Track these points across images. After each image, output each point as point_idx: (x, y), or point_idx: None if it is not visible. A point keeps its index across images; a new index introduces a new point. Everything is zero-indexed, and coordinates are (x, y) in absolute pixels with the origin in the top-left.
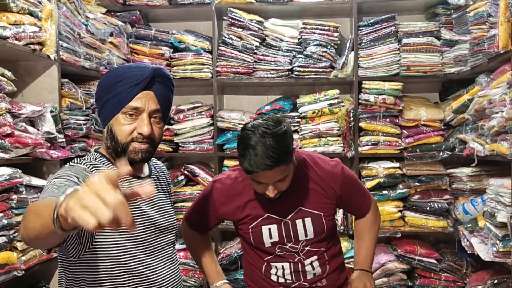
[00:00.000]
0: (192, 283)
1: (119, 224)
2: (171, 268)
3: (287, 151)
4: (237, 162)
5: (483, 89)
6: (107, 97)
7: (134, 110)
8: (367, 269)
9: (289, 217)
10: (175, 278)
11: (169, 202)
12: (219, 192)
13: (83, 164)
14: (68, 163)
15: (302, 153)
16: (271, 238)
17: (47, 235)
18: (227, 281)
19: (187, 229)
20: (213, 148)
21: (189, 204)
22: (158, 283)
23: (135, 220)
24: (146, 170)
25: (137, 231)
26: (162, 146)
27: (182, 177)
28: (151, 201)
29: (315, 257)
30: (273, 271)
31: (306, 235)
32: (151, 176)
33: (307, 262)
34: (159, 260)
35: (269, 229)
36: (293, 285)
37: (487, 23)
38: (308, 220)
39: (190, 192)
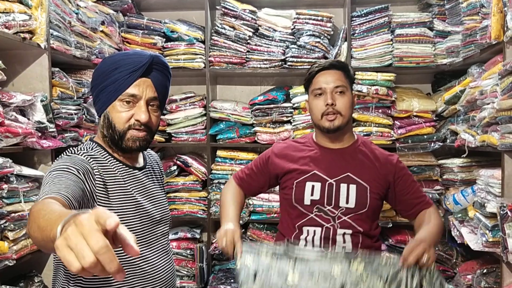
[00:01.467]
0: (185, 272)
1: (104, 270)
2: (165, 259)
3: (346, 64)
4: (229, 153)
5: (474, 80)
6: (104, 84)
7: (131, 97)
8: (429, 238)
9: (336, 179)
10: (169, 268)
11: (163, 193)
12: (275, 147)
13: (82, 155)
14: (65, 153)
15: (360, 136)
16: (312, 195)
17: (51, 248)
18: (235, 225)
19: (231, 183)
20: (206, 138)
21: (182, 194)
22: (153, 275)
23: (131, 212)
24: (141, 161)
25: (132, 223)
26: (154, 136)
27: (175, 167)
28: (145, 192)
29: (350, 231)
30: (303, 236)
31: (347, 202)
32: (146, 167)
33: (340, 231)
34: (153, 252)
35: (313, 186)
36: None
37: (479, 14)
38: (352, 187)
39: (182, 183)
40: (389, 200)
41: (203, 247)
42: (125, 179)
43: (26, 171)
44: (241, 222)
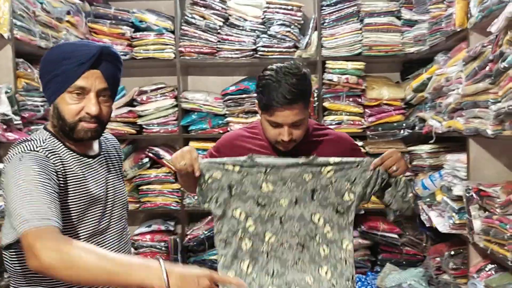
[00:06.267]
0: None
1: None
2: (121, 243)
3: (307, 90)
4: (202, 144)
5: (440, 67)
6: (53, 74)
7: (80, 89)
8: None
9: None
10: (126, 251)
11: (119, 179)
12: (223, 138)
13: (39, 151)
14: (20, 149)
15: (311, 122)
16: None
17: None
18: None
19: None
20: (177, 129)
21: (154, 186)
22: None
23: (83, 200)
24: (96, 147)
25: (86, 211)
26: (125, 128)
27: (147, 159)
28: (100, 180)
29: None
30: None
31: None
32: (101, 154)
33: None
34: (110, 236)
35: None
36: None
37: (445, 2)
38: None
39: (155, 175)
40: None
41: (177, 239)
42: (78, 168)
43: None
44: None
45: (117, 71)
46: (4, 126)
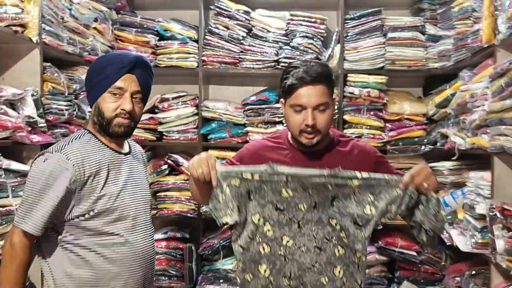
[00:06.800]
0: (174, 273)
1: None
2: (145, 234)
3: (330, 75)
4: (221, 153)
5: (465, 83)
6: (97, 79)
7: (118, 90)
8: None
9: None
10: (149, 242)
11: (145, 178)
12: (246, 148)
13: (63, 153)
14: (49, 150)
15: (336, 131)
16: None
17: None
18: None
19: None
20: (197, 137)
21: (172, 193)
22: (133, 249)
23: (114, 191)
24: (126, 147)
25: (114, 200)
26: (145, 135)
27: (166, 166)
28: (128, 174)
29: None
30: None
31: None
32: (131, 153)
33: None
34: (135, 228)
35: None
36: None
37: (471, 18)
38: None
39: (173, 182)
40: None
41: (192, 247)
42: (111, 162)
43: (15, 165)
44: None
45: (148, 78)
46: (29, 128)
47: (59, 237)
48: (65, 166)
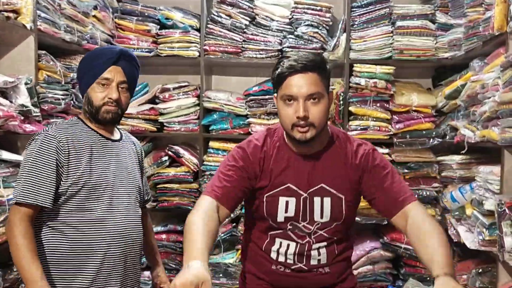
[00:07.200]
0: (174, 266)
1: None
2: (130, 219)
3: (323, 64)
4: (222, 144)
5: (476, 74)
6: (87, 69)
7: (105, 80)
8: (452, 275)
9: (309, 191)
10: (134, 233)
11: (136, 166)
12: (253, 150)
13: (56, 136)
14: (43, 131)
15: (336, 129)
16: (286, 212)
17: None
18: (203, 265)
19: (204, 202)
20: (198, 128)
21: (173, 185)
22: (114, 236)
23: (95, 175)
24: (117, 135)
25: (94, 184)
26: (146, 126)
27: (166, 157)
28: (114, 160)
29: (325, 243)
30: (275, 247)
31: (321, 217)
32: (120, 141)
33: (315, 246)
34: (117, 213)
35: (287, 202)
36: (292, 266)
37: (483, 5)
38: (327, 200)
39: (174, 173)
40: (367, 198)
41: None
42: (101, 147)
43: (6, 155)
44: (232, 215)
45: (134, 69)
46: (22, 117)
47: (41, 212)
48: (51, 139)
